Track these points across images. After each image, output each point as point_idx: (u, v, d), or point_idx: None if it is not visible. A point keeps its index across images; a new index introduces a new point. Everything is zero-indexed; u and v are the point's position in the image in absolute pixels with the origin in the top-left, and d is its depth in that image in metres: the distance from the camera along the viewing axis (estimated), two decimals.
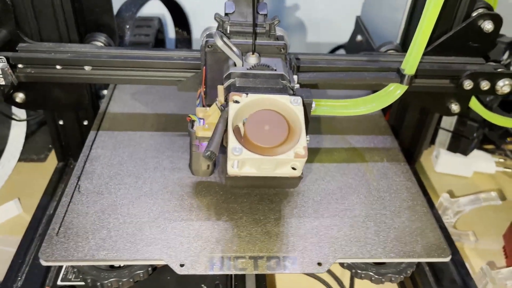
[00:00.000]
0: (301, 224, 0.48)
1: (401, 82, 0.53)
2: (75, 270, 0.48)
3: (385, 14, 0.74)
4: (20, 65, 0.56)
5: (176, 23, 0.93)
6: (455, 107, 0.62)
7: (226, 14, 0.50)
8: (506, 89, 0.57)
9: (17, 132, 0.78)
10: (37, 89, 0.61)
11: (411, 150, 0.71)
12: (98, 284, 0.46)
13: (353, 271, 0.48)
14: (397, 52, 0.62)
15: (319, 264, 0.44)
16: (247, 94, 0.42)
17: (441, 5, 0.47)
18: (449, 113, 0.62)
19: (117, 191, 0.50)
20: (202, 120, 0.45)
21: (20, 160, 0.77)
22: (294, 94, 0.44)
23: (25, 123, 0.77)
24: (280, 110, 0.42)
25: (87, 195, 0.49)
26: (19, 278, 0.50)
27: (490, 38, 0.58)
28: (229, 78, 0.47)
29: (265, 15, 0.50)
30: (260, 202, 0.50)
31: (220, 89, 0.46)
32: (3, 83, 0.55)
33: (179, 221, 0.47)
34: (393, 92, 0.54)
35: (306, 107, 0.44)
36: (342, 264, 0.48)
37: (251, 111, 0.41)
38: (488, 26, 0.56)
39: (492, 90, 0.58)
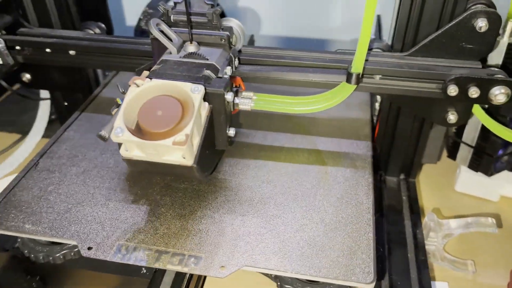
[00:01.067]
0: (224, 225, 0.46)
1: (348, 80, 0.48)
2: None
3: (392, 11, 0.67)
4: (17, 47, 0.62)
5: None
6: (452, 117, 0.54)
7: (174, 4, 0.50)
8: (501, 98, 0.49)
9: (43, 111, 0.86)
10: (38, 71, 0.67)
11: (408, 163, 0.64)
12: (32, 255, 0.49)
13: (278, 283, 0.45)
14: (382, 51, 0.56)
15: (222, 267, 0.42)
16: (151, 78, 0.42)
17: None
18: (446, 123, 0.55)
19: (67, 171, 0.53)
20: None
21: (44, 137, 0.84)
22: (207, 83, 0.43)
23: (49, 103, 0.85)
24: (181, 98, 0.41)
25: (40, 172, 0.53)
26: None
27: (485, 39, 0.49)
28: (159, 64, 0.47)
29: (212, 5, 0.50)
30: (193, 198, 0.49)
31: (144, 74, 0.46)
32: (0, 62, 0.61)
33: (108, 204, 0.48)
34: (341, 91, 0.49)
35: (215, 97, 0.44)
36: (268, 275, 0.46)
37: (153, 96, 0.41)
38: (481, 24, 0.48)
39: (484, 98, 0.49)
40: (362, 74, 0.50)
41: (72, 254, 0.49)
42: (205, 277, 0.55)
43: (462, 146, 0.71)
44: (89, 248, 0.44)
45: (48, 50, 0.61)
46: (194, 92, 0.42)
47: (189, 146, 0.40)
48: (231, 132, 0.48)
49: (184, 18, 0.49)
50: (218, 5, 0.52)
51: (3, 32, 0.62)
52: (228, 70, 0.49)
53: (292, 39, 0.96)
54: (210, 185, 0.51)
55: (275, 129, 0.59)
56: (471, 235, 0.60)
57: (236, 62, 0.53)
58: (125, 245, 0.44)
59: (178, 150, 0.40)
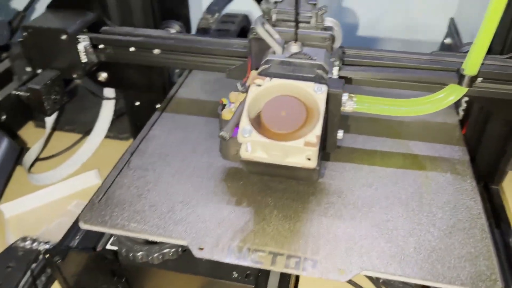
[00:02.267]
0: (333, 228, 0.45)
1: (460, 83, 0.47)
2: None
3: (478, 13, 0.66)
4: (101, 46, 0.61)
5: None
6: None
7: (275, 2, 0.49)
8: None
9: (106, 110, 0.85)
10: (116, 70, 0.67)
11: (492, 169, 0.63)
12: (131, 255, 0.48)
13: None
14: None
15: (341, 271, 0.41)
16: (271, 78, 0.41)
17: None
18: None
19: (162, 170, 0.52)
20: (232, 104, 0.45)
21: (107, 137, 0.84)
22: (323, 83, 0.42)
23: (113, 103, 0.84)
24: (303, 97, 0.41)
25: (134, 170, 0.52)
26: (77, 237, 0.55)
27: None
28: (265, 64, 0.46)
29: (314, 4, 0.49)
30: (295, 200, 0.48)
31: (253, 73, 0.45)
32: (85, 60, 0.61)
33: (210, 205, 0.48)
34: (449, 94, 0.48)
35: (333, 98, 0.43)
36: (375, 280, 0.44)
37: (273, 96, 0.40)
38: None
39: None
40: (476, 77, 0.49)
41: (170, 254, 0.48)
42: (297, 280, 0.54)
43: None
44: (201, 249, 0.43)
45: (132, 49, 0.60)
46: (318, 92, 0.41)
47: (317, 148, 0.39)
48: (340, 134, 0.47)
49: (286, 17, 0.48)
50: (324, 6, 0.51)
51: (86, 30, 0.62)
52: (335, 71, 0.48)
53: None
54: (310, 186, 0.50)
55: (364, 132, 0.58)
56: None
57: (340, 62, 0.52)
58: (237, 246, 0.43)
59: (307, 151, 0.39)
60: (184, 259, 0.49)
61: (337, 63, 0.51)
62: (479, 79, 0.51)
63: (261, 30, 0.49)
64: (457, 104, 0.66)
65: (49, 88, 0.60)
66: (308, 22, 0.50)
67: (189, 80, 0.71)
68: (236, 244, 0.43)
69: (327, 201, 0.48)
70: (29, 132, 0.89)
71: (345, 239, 0.44)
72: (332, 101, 0.44)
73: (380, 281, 0.45)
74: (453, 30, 0.73)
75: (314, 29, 0.50)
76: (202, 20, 0.79)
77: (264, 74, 0.45)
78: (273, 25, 0.50)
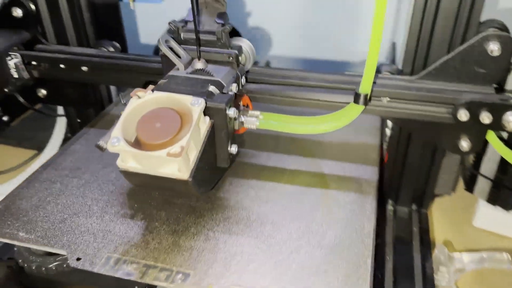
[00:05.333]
0: (218, 243, 0.45)
1: (356, 101, 0.47)
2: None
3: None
4: (33, 62, 0.63)
5: None
6: (464, 144, 0.52)
7: (185, 22, 0.51)
8: None
9: (59, 128, 0.87)
10: (53, 87, 0.69)
11: (420, 192, 0.61)
12: (26, 265, 0.48)
13: None
14: (391, 74, 0.55)
15: (210, 285, 0.40)
16: (153, 91, 0.42)
17: (384, 10, 0.40)
18: (459, 150, 0.52)
19: (69, 183, 0.53)
20: None
21: None
22: (209, 98, 0.43)
23: (65, 121, 0.86)
24: (181, 110, 0.41)
25: (42, 182, 0.53)
26: None
27: (498, 63, 0.47)
28: (164, 79, 0.48)
29: (223, 24, 0.50)
30: (189, 214, 0.48)
31: (150, 87, 0.46)
32: (16, 76, 0.63)
33: (104, 216, 0.48)
34: (349, 112, 0.48)
35: (216, 112, 0.44)
36: None
37: (153, 107, 0.41)
38: (493, 48, 0.46)
39: (497, 124, 0.47)
40: (370, 96, 0.49)
41: (64, 265, 0.48)
42: None
43: (480, 178, 0.68)
44: (78, 259, 0.43)
45: (62, 66, 0.63)
46: (194, 105, 0.41)
47: (184, 159, 0.40)
48: (233, 149, 0.47)
49: (193, 36, 0.49)
50: (228, 24, 0.52)
51: (21, 47, 0.64)
52: (234, 87, 0.48)
53: (311, 61, 0.95)
54: (208, 202, 0.50)
55: (280, 150, 0.58)
56: (485, 271, 0.57)
57: (243, 80, 0.52)
58: (114, 258, 0.43)
59: (173, 162, 0.39)
60: (85, 272, 0.48)
61: (243, 81, 0.52)
62: (386, 99, 0.51)
63: (163, 48, 0.50)
64: (383, 126, 0.65)
65: None
66: (214, 41, 0.51)
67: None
68: (115, 256, 0.43)
69: (221, 216, 0.48)
70: None
71: (226, 254, 0.43)
72: (217, 115, 0.44)
73: None
74: (392, 55, 0.73)
75: (219, 47, 0.51)
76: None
77: (157, 88, 0.46)
78: (182, 43, 0.52)
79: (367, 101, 0.47)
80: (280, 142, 0.60)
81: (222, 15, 0.52)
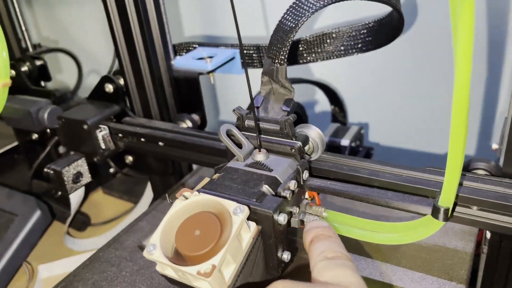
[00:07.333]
0: None
1: (434, 214, 0.39)
2: None
3: None
4: (120, 134, 0.67)
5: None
6: None
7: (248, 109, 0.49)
8: None
9: (149, 187, 0.91)
10: (138, 156, 0.72)
11: None
12: None
13: None
14: (489, 173, 0.45)
15: None
16: (199, 192, 0.40)
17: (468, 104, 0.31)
18: None
19: (124, 267, 0.52)
20: None
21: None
22: (258, 201, 0.40)
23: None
24: (223, 217, 0.38)
25: (102, 263, 0.53)
26: None
27: None
28: (220, 172, 0.46)
29: (288, 112, 0.47)
30: None
31: (205, 180, 0.44)
32: (103, 147, 0.67)
33: None
34: (425, 225, 0.40)
35: (264, 218, 0.40)
36: None
37: (196, 211, 0.39)
38: None
39: None
40: (455, 205, 0.41)
41: None
42: None
43: None
44: None
45: (142, 139, 0.65)
46: (236, 213, 0.38)
47: (216, 278, 0.36)
48: (285, 256, 0.42)
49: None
50: (294, 113, 0.48)
51: (111, 119, 0.69)
52: (292, 185, 0.44)
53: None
54: None
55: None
56: None
57: (306, 174, 0.47)
58: None
59: (202, 280, 0.36)
60: None
61: (305, 175, 0.47)
62: (475, 207, 0.42)
63: (222, 137, 0.48)
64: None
65: (71, 169, 0.67)
66: (277, 130, 0.48)
67: (202, 171, 0.72)
68: None
69: None
70: (97, 197, 0.99)
71: None
72: (264, 222, 0.40)
73: None
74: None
75: (282, 137, 0.48)
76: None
77: (205, 187, 0.44)
78: (246, 130, 0.50)
79: (448, 216, 0.39)
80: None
81: (288, 102, 0.49)
